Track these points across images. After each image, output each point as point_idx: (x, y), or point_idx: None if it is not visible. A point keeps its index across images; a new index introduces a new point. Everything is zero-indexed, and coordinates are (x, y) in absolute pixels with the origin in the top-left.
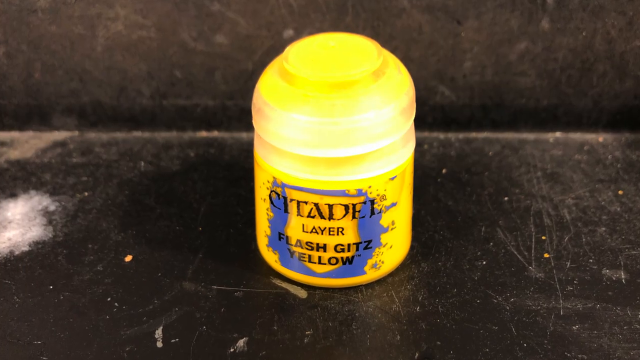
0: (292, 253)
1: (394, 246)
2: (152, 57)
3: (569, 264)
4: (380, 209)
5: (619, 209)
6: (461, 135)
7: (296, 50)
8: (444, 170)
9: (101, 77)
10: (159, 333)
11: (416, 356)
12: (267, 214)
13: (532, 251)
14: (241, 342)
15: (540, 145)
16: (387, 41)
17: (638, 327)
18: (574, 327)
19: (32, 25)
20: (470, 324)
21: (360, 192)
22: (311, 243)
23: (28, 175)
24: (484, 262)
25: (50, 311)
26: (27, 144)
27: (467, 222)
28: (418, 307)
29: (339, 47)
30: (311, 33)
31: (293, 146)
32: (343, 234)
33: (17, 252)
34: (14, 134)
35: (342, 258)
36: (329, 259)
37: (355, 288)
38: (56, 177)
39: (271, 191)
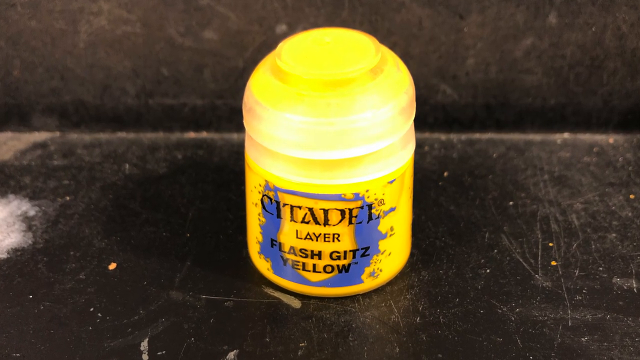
0: (285, 261)
1: (393, 253)
2: (137, 54)
3: (577, 272)
4: (379, 214)
5: (630, 214)
6: (464, 136)
7: (289, 46)
8: (445, 173)
9: (84, 74)
10: (144, 345)
11: None
12: (259, 219)
13: (539, 259)
14: (231, 355)
15: (547, 146)
16: (386, 37)
17: None
18: (582, 339)
19: (10, 20)
20: (473, 336)
21: (357, 197)
22: (305, 250)
23: (6, 179)
24: (488, 270)
25: (30, 322)
26: (5, 145)
27: (470, 228)
28: (418, 318)
29: (334, 43)
30: (305, 28)
31: (286, 148)
32: (339, 241)
33: None
34: None
35: (338, 266)
36: (324, 267)
37: (352, 297)
38: (36, 180)
39: (263, 195)
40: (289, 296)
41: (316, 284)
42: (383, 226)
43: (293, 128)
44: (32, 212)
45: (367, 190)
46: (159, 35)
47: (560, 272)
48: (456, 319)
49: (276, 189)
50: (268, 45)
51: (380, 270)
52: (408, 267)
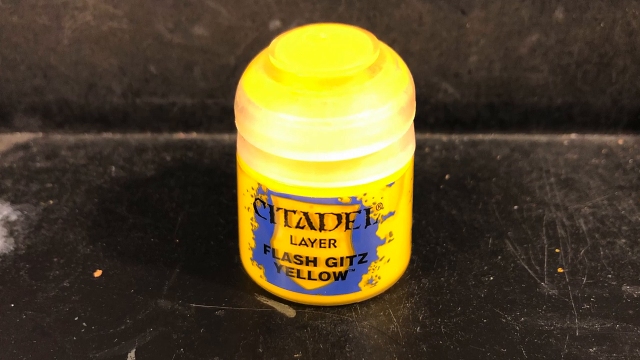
0: (279, 268)
1: (392, 260)
2: (124, 51)
3: (585, 279)
4: (377, 218)
5: None
6: (466, 137)
7: (283, 43)
8: (447, 176)
9: (68, 72)
10: (131, 356)
11: None
12: (252, 224)
13: (545, 265)
14: None
15: (554, 148)
16: (385, 33)
17: None
18: (590, 350)
19: None
20: (476, 346)
21: (354, 200)
22: (300, 256)
23: None
24: (492, 278)
25: (12, 332)
26: None
27: (472, 234)
28: (418, 328)
29: (330, 39)
30: (300, 24)
31: (280, 149)
32: (335, 247)
33: None
34: None
35: (334, 273)
36: (320, 274)
37: (349, 306)
38: (18, 183)
39: (256, 199)
40: (282, 305)
41: (311, 292)
42: (381, 231)
43: (287, 128)
44: (13, 217)
45: (364, 194)
46: (146, 31)
47: (567, 280)
48: (458, 328)
49: (269, 193)
50: (261, 41)
51: (379, 278)
52: (408, 274)
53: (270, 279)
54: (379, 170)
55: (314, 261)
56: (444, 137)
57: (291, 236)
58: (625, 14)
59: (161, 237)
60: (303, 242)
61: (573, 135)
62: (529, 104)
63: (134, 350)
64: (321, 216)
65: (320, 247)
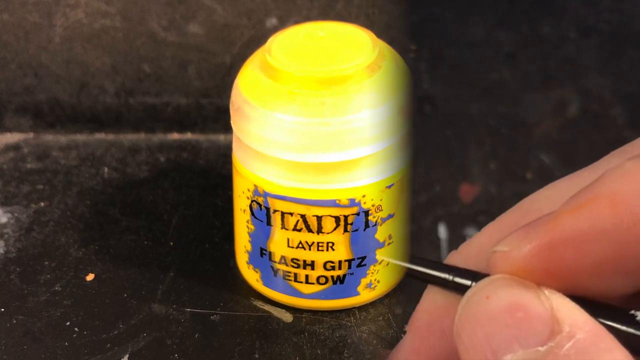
0: (275, 271)
1: (391, 263)
2: (117, 49)
3: None
4: (376, 221)
5: None
6: None
7: (280, 41)
8: None
9: (59, 71)
10: None
11: None
12: (248, 226)
13: None
14: None
15: None
16: (384, 31)
17: None
18: None
19: None
20: None
21: (352, 202)
22: (297, 260)
23: None
24: None
25: (2, 337)
26: None
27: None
28: None
29: (328, 38)
30: (297, 22)
31: (277, 150)
32: (333, 250)
33: None
34: None
35: (332, 277)
36: (318, 278)
37: (348, 311)
38: (8, 185)
39: (252, 201)
40: (279, 309)
41: (309, 296)
42: (381, 234)
43: (284, 129)
44: (4, 219)
45: (363, 196)
46: (140, 29)
47: None
48: None
49: (266, 195)
50: (257, 40)
51: (378, 282)
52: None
53: (266, 283)
54: (378, 172)
55: (312, 265)
56: None
57: (288, 239)
58: None
59: (155, 240)
60: (300, 245)
61: None
62: None
63: (127, 356)
64: (319, 218)
65: (318, 250)
